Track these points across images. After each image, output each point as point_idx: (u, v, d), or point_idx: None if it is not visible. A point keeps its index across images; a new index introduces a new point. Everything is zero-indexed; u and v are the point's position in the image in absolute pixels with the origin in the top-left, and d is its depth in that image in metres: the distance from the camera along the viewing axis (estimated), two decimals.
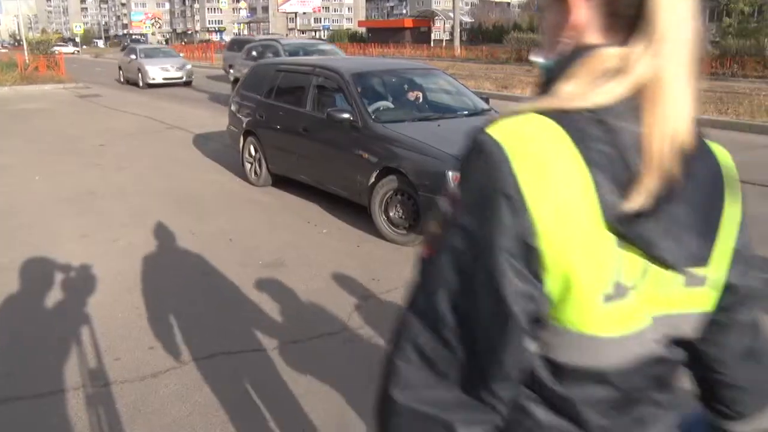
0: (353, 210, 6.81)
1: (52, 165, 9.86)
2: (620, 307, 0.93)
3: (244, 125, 8.60)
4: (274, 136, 7.90)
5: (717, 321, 1.09)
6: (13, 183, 8.68)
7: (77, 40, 77.65)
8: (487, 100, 7.82)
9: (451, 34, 53.79)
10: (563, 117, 0.90)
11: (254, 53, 17.54)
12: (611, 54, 0.92)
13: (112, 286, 5.03)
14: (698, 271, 1.00)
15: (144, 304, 4.73)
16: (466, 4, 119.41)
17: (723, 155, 1.05)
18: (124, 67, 26.56)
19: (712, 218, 1.00)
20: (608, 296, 0.91)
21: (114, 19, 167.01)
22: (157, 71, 24.14)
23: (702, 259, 0.99)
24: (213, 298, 4.79)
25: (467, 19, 78.62)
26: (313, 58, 11.98)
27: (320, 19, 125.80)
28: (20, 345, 4.14)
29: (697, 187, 0.96)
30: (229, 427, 3.31)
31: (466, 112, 7.25)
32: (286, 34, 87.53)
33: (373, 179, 6.21)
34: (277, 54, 16.11)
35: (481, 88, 18.92)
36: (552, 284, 0.90)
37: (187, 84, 24.53)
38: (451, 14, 53.19)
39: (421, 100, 7.36)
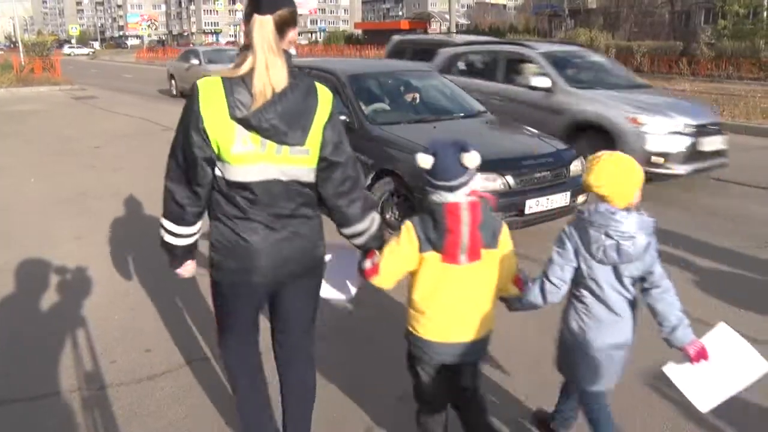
0: None
1: (48, 166, 9.86)
2: (244, 154, 2.28)
3: None
4: None
5: (320, 175, 2.46)
6: (9, 184, 8.67)
7: (73, 41, 77.56)
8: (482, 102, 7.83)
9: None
10: (226, 77, 2.26)
11: (461, 65, 10.79)
12: (245, 54, 2.29)
13: (107, 288, 5.03)
14: (299, 147, 2.35)
15: (140, 305, 4.73)
16: (462, 6, 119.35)
17: (323, 92, 2.43)
18: (179, 76, 20.98)
19: (306, 121, 2.33)
20: (234, 149, 2.27)
21: (110, 20, 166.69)
22: None
23: (299, 141, 2.33)
24: (210, 300, 4.76)
25: (463, 21, 78.73)
26: (309, 59, 11.86)
27: (316, 21, 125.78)
28: (16, 347, 4.13)
29: (295, 106, 2.30)
30: (225, 429, 3.30)
31: (462, 114, 7.27)
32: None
33: (369, 181, 6.21)
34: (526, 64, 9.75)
35: None
36: (213, 144, 2.27)
37: None
38: (447, 16, 53.17)
39: (417, 101, 7.36)
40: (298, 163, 2.38)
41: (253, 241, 2.42)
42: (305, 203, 2.48)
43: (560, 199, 5.91)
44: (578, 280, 2.65)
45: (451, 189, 2.44)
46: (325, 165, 2.44)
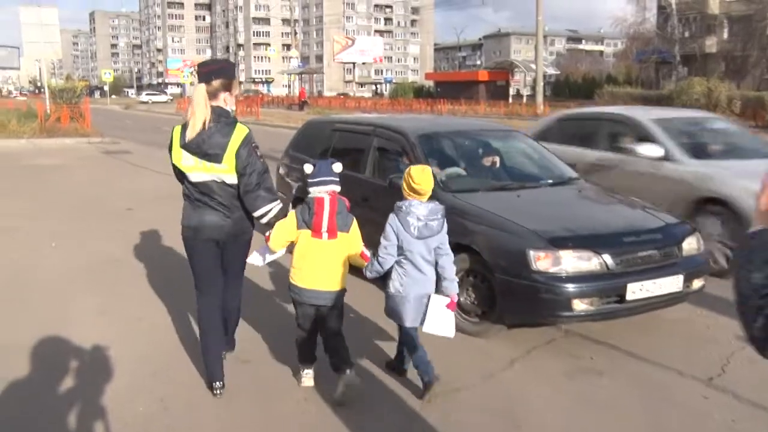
0: None
1: (72, 230, 10.17)
2: (187, 166, 4.72)
3: (294, 191, 8.74)
4: None
5: (240, 180, 4.71)
6: (27, 250, 8.97)
7: (105, 88, 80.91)
8: (574, 167, 7.76)
9: (533, 88, 53.92)
10: (183, 124, 4.73)
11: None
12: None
13: (133, 373, 5.07)
14: (220, 163, 4.65)
15: (170, 394, 4.75)
16: (551, 53, 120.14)
17: (239, 130, 4.69)
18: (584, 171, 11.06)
19: (224, 145, 4.62)
20: (182, 162, 4.73)
21: (147, 65, 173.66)
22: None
23: (219, 160, 4.64)
24: (253, 389, 4.80)
25: (552, 71, 78.87)
26: (374, 116, 11.97)
27: (381, 70, 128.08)
28: None
29: (216, 139, 4.61)
30: None
31: (550, 181, 7.27)
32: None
33: None
34: None
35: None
36: (174, 158, 4.79)
37: None
38: (533, 65, 53.53)
39: (498, 166, 7.34)
40: (221, 172, 4.64)
41: (200, 214, 4.76)
42: (232, 195, 4.75)
43: (670, 284, 5.72)
44: (399, 253, 4.63)
45: (323, 183, 4.61)
46: (239, 174, 4.65)
